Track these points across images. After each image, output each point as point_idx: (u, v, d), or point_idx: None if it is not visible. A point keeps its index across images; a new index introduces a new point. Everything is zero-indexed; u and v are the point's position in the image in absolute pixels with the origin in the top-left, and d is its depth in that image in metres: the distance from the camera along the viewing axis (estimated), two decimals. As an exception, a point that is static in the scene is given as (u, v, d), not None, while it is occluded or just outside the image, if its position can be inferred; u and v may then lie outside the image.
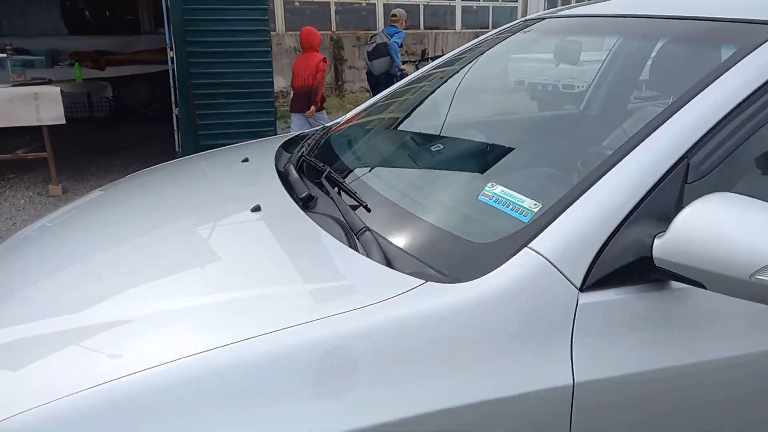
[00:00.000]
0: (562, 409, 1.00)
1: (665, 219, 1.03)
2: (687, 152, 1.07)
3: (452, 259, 1.12)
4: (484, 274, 1.03)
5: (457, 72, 2.16)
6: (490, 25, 14.13)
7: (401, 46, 7.06)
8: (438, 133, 1.85)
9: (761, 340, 1.11)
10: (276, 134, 6.09)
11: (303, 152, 1.81)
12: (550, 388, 0.99)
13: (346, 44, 11.00)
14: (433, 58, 10.11)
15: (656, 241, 1.01)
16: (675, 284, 1.05)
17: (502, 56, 2.27)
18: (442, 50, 12.51)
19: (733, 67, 1.16)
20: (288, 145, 2.05)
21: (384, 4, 11.86)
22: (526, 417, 1.00)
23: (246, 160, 1.93)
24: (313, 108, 5.38)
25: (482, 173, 1.53)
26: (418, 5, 12.38)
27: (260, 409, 0.91)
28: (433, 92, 2.17)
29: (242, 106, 5.89)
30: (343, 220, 1.29)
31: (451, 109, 1.94)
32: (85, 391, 0.90)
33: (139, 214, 1.63)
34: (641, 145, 1.09)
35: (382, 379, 0.95)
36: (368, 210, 1.34)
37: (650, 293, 1.05)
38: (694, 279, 0.97)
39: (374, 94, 7.59)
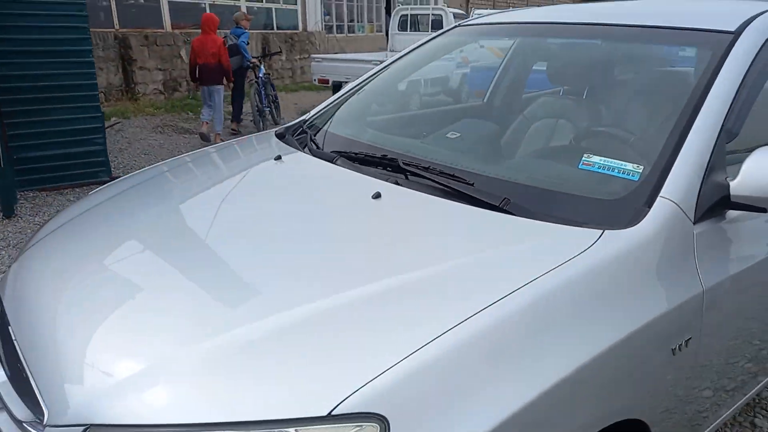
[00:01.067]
0: (699, 307, 1.39)
1: (722, 167, 1.49)
2: (723, 123, 1.55)
3: (592, 212, 1.42)
4: (635, 222, 1.36)
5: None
6: (275, 26, 14.32)
7: (248, 43, 7.82)
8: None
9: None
10: (104, 141, 5.52)
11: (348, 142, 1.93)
12: (696, 294, 1.37)
13: (133, 43, 10.17)
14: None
15: (731, 183, 1.46)
16: (730, 213, 1.52)
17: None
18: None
19: (723, 68, 1.66)
20: (303, 138, 2.12)
21: (168, 2, 11.24)
22: (680, 320, 1.36)
23: (279, 158, 1.95)
24: (228, 83, 7.35)
25: (557, 147, 1.86)
26: (204, 5, 11.99)
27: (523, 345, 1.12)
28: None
29: (62, 112, 5.20)
30: (474, 196, 1.50)
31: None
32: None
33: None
34: (697, 120, 1.53)
35: (596, 311, 1.23)
36: (472, 185, 1.56)
37: (724, 221, 1.50)
38: (760, 206, 1.43)
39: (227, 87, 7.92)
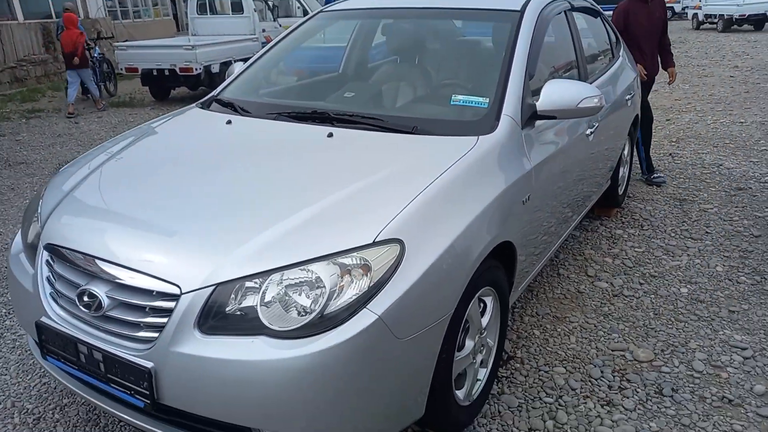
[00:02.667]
0: (530, 177, 2.36)
1: (529, 95, 2.48)
2: (526, 68, 2.54)
3: (468, 128, 2.31)
4: (493, 130, 2.27)
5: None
6: (53, 14, 13.21)
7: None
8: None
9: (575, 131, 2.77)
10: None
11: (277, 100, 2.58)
12: (528, 170, 2.34)
13: None
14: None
15: (537, 103, 2.44)
16: (537, 122, 2.52)
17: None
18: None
19: (519, 34, 2.65)
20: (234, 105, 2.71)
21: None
22: (522, 185, 2.32)
23: (229, 122, 2.52)
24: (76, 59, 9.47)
25: (427, 94, 2.71)
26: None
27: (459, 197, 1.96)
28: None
29: None
30: (390, 125, 2.30)
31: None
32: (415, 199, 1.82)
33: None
34: (512, 68, 2.49)
35: (484, 180, 2.12)
36: (385, 121, 2.36)
37: (534, 127, 2.49)
38: (552, 115, 2.45)
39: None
